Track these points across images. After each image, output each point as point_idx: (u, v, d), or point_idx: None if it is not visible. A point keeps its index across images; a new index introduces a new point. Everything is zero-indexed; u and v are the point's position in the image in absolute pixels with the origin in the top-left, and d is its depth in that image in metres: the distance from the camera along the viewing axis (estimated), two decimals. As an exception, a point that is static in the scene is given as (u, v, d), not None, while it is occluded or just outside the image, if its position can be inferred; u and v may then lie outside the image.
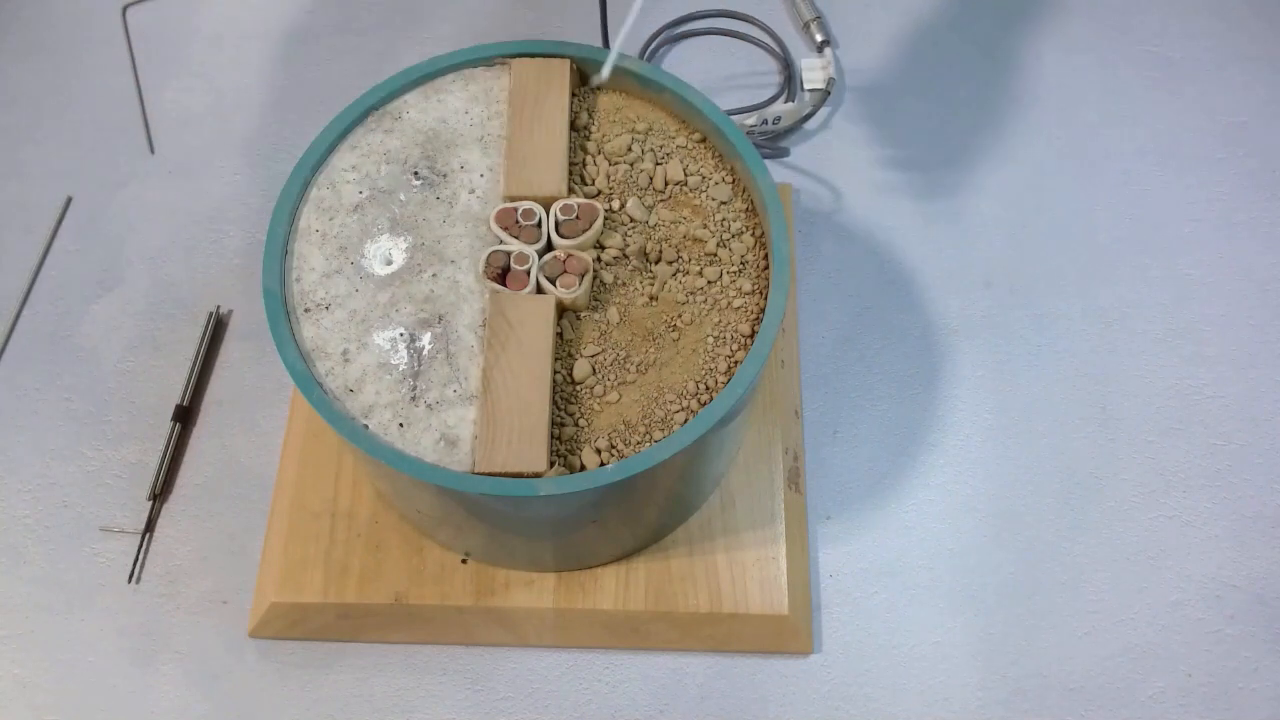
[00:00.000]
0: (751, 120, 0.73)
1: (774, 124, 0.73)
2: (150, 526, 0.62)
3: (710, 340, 0.49)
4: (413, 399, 0.46)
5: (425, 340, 0.48)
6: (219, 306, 0.68)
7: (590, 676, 0.58)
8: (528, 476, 0.45)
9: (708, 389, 0.48)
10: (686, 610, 0.56)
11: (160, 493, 0.62)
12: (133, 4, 0.81)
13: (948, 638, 0.59)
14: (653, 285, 0.50)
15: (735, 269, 0.50)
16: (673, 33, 0.80)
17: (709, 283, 0.50)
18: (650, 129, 0.54)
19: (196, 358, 0.66)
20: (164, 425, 0.64)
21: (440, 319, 0.48)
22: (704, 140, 0.54)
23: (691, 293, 0.50)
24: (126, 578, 0.60)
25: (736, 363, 0.48)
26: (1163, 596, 0.60)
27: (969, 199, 0.73)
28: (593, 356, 0.48)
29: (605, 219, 0.51)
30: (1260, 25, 0.80)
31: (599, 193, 0.52)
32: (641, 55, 0.78)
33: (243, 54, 0.79)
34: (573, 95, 0.54)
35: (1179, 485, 0.63)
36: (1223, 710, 0.57)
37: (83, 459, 0.64)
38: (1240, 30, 0.80)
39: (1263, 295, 0.69)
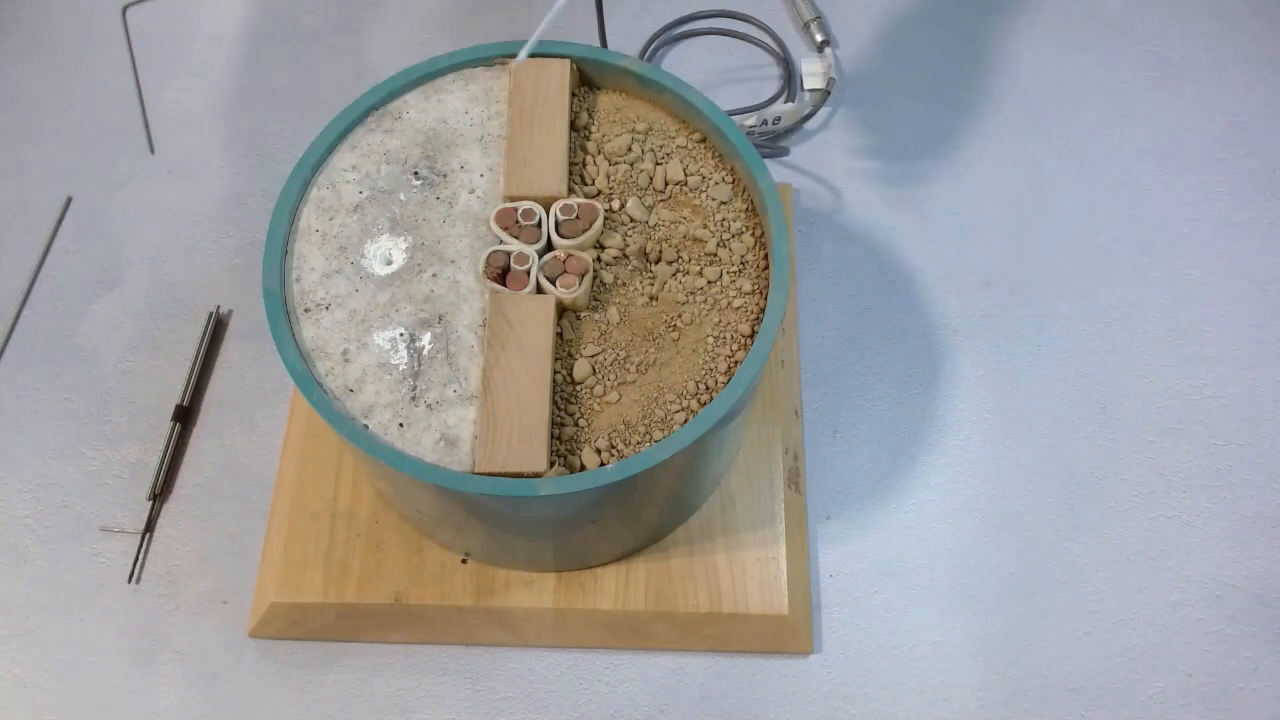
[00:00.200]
0: (751, 120, 0.73)
1: (774, 124, 0.73)
2: (150, 526, 0.62)
3: (710, 340, 0.49)
4: (413, 399, 0.46)
5: (425, 340, 0.48)
6: (219, 306, 0.68)
7: (590, 676, 0.58)
8: (528, 476, 0.45)
9: (708, 389, 0.48)
10: (686, 610, 0.56)
11: (160, 493, 0.62)
12: (133, 4, 0.81)
13: (948, 638, 0.59)
14: (653, 285, 0.50)
15: (735, 269, 0.50)
16: (673, 33, 0.80)
17: (709, 283, 0.50)
18: (650, 129, 0.54)
19: (196, 358, 0.66)
20: (164, 425, 0.64)
21: (440, 319, 0.48)
22: (704, 140, 0.54)
23: (691, 293, 0.50)
24: (126, 578, 0.60)
25: (736, 363, 0.48)
26: (1163, 596, 0.60)
27: (969, 199, 0.73)
28: (593, 356, 0.48)
29: (605, 219, 0.51)
30: (1260, 25, 0.80)
31: (599, 193, 0.52)
32: (642, 55, 0.78)
33: (243, 54, 0.79)
34: (573, 95, 0.54)
35: (1179, 485, 0.63)
36: (1223, 710, 0.57)
37: (83, 459, 0.64)
38: (1240, 30, 0.80)
39: (1263, 295, 0.69)
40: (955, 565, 0.61)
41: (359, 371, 0.47)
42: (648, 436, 0.47)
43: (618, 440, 0.47)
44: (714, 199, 0.52)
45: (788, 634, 0.57)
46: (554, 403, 0.47)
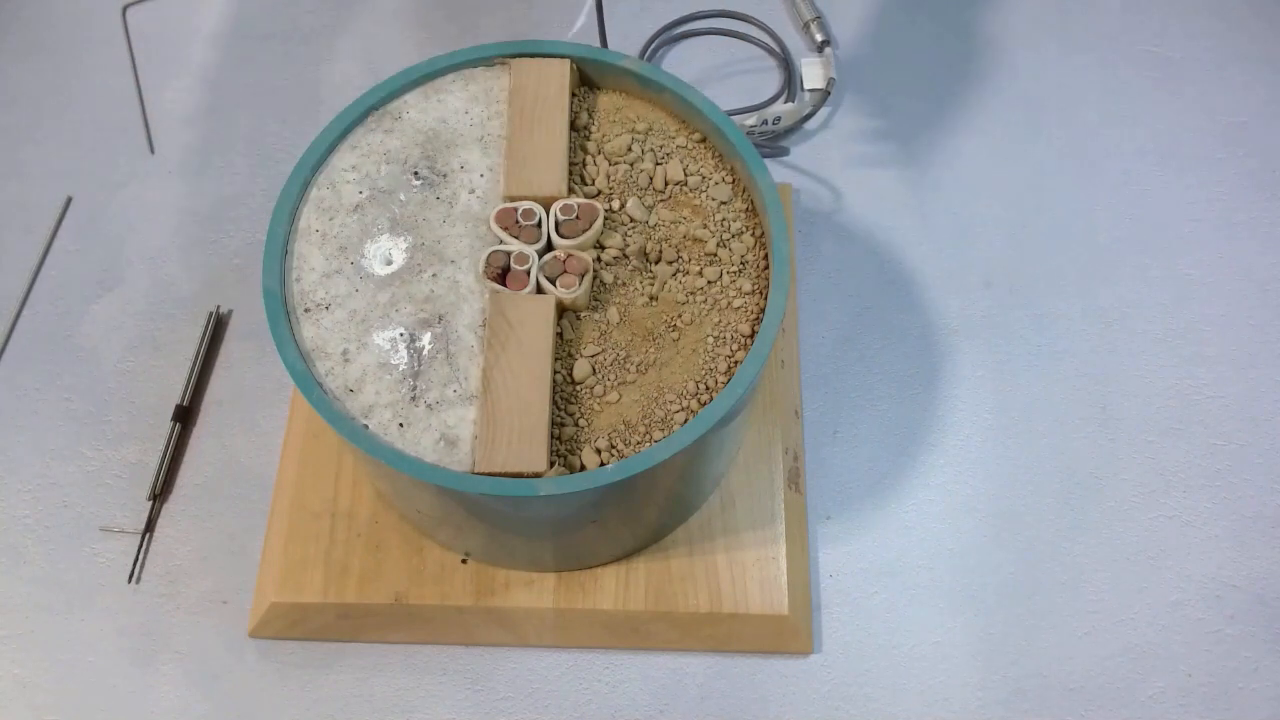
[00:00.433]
0: (751, 120, 0.73)
1: (774, 124, 0.73)
2: (150, 526, 0.62)
3: (710, 340, 0.49)
4: (413, 399, 0.46)
5: (425, 340, 0.48)
6: (219, 306, 0.68)
7: (590, 676, 0.58)
8: (528, 476, 0.45)
9: (708, 389, 0.48)
10: (686, 610, 0.56)
11: (160, 493, 0.62)
12: (133, 4, 0.81)
13: (948, 638, 0.59)
14: (653, 285, 0.50)
15: (735, 269, 0.50)
16: (672, 33, 0.80)
17: (709, 283, 0.50)
18: (650, 129, 0.54)
19: (196, 358, 0.66)
20: (164, 425, 0.64)
21: (440, 319, 0.48)
22: (704, 140, 0.54)
23: (691, 293, 0.50)
24: (126, 578, 0.60)
25: (736, 363, 0.48)
26: (1163, 596, 0.60)
27: (969, 199, 0.73)
28: (593, 356, 0.48)
29: (605, 219, 0.51)
30: (1260, 25, 0.80)
31: (599, 193, 0.52)
32: (642, 55, 0.78)
33: (243, 54, 0.79)
34: (573, 95, 0.54)
35: (1179, 485, 0.63)
36: (1223, 710, 0.57)
37: (83, 459, 0.64)
38: (1240, 30, 0.80)
39: (1263, 295, 0.69)
40: (955, 565, 0.61)
41: (359, 371, 0.47)
42: (648, 436, 0.47)
43: (618, 440, 0.47)
44: (714, 199, 0.52)
45: (788, 634, 0.57)
46: (554, 403, 0.47)
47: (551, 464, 0.45)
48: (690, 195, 0.52)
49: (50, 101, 0.77)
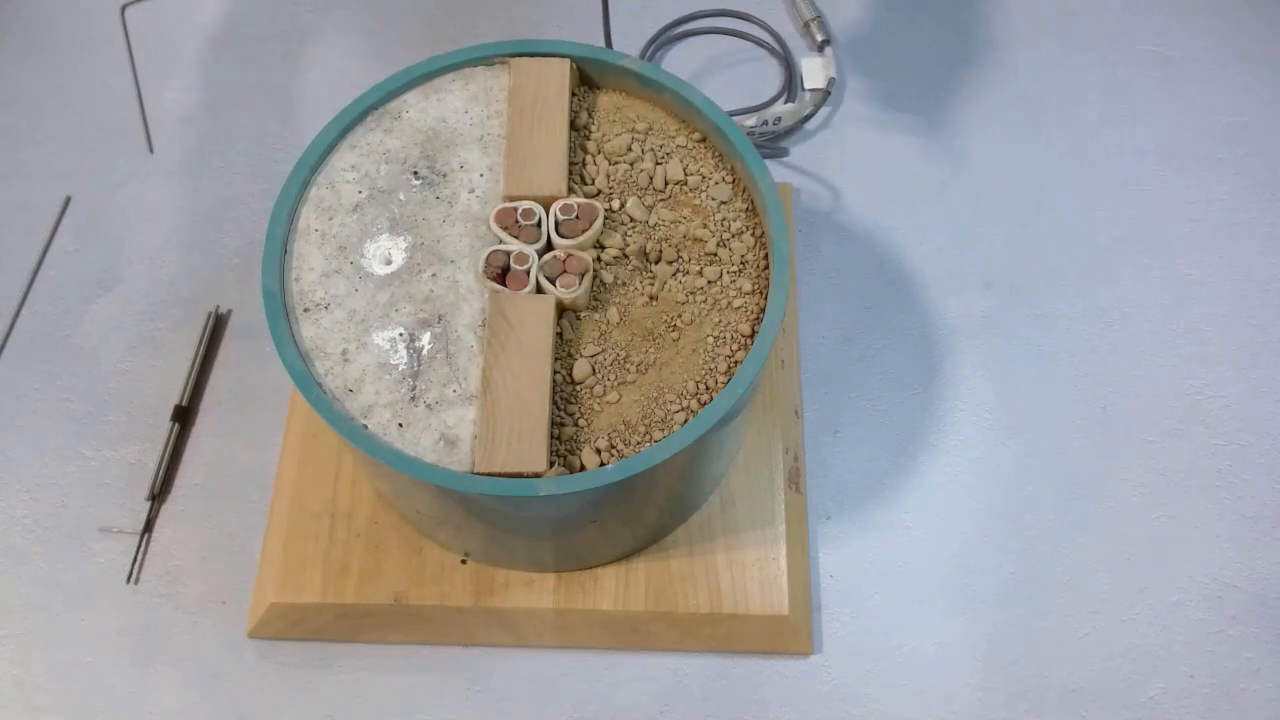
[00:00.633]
0: (751, 121, 0.73)
1: (774, 124, 0.73)
2: (149, 527, 0.62)
3: (710, 340, 0.49)
4: (412, 399, 0.46)
5: (425, 340, 0.48)
6: (219, 306, 0.68)
7: (590, 676, 0.58)
8: (528, 476, 0.45)
9: (708, 389, 0.48)
10: (686, 610, 0.56)
11: (159, 493, 0.62)
12: (132, 4, 0.81)
13: (948, 638, 0.59)
14: (653, 285, 0.50)
15: (735, 269, 0.50)
16: (673, 32, 0.80)
17: (709, 283, 0.50)
18: (650, 129, 0.54)
19: (196, 358, 0.66)
20: (163, 425, 0.64)
21: (440, 319, 0.48)
22: (704, 140, 0.53)
23: (691, 293, 0.50)
24: (125, 578, 0.60)
25: (736, 363, 0.48)
26: (1164, 597, 0.60)
27: (969, 199, 0.73)
28: (593, 356, 0.48)
29: (605, 219, 0.51)
30: (1260, 25, 0.80)
31: (599, 192, 0.52)
32: (643, 54, 0.78)
33: (243, 54, 0.79)
34: (573, 95, 0.54)
35: (1179, 485, 0.63)
36: (1224, 711, 0.57)
37: (82, 459, 0.64)
38: (1240, 30, 0.80)
39: (1263, 295, 0.69)
40: (955, 565, 0.61)
41: (358, 371, 0.47)
42: (648, 436, 0.47)
43: (618, 440, 0.47)
44: (714, 199, 0.52)
45: (788, 634, 0.57)
46: (554, 403, 0.47)
47: (551, 464, 0.45)
48: (690, 195, 0.52)
49: (50, 101, 0.77)
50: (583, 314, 0.49)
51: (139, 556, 0.61)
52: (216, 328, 0.68)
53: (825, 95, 0.74)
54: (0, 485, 0.63)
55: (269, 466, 0.63)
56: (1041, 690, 0.58)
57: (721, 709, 0.57)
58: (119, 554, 0.61)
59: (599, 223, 0.49)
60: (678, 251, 0.51)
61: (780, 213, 0.49)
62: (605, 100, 0.54)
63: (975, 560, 0.61)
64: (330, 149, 0.52)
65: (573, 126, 0.53)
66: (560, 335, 0.49)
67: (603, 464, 0.46)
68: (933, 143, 0.75)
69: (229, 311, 0.69)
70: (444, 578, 0.57)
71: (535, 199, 0.50)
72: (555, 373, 0.48)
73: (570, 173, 0.51)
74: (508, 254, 0.49)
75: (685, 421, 0.47)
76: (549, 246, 0.50)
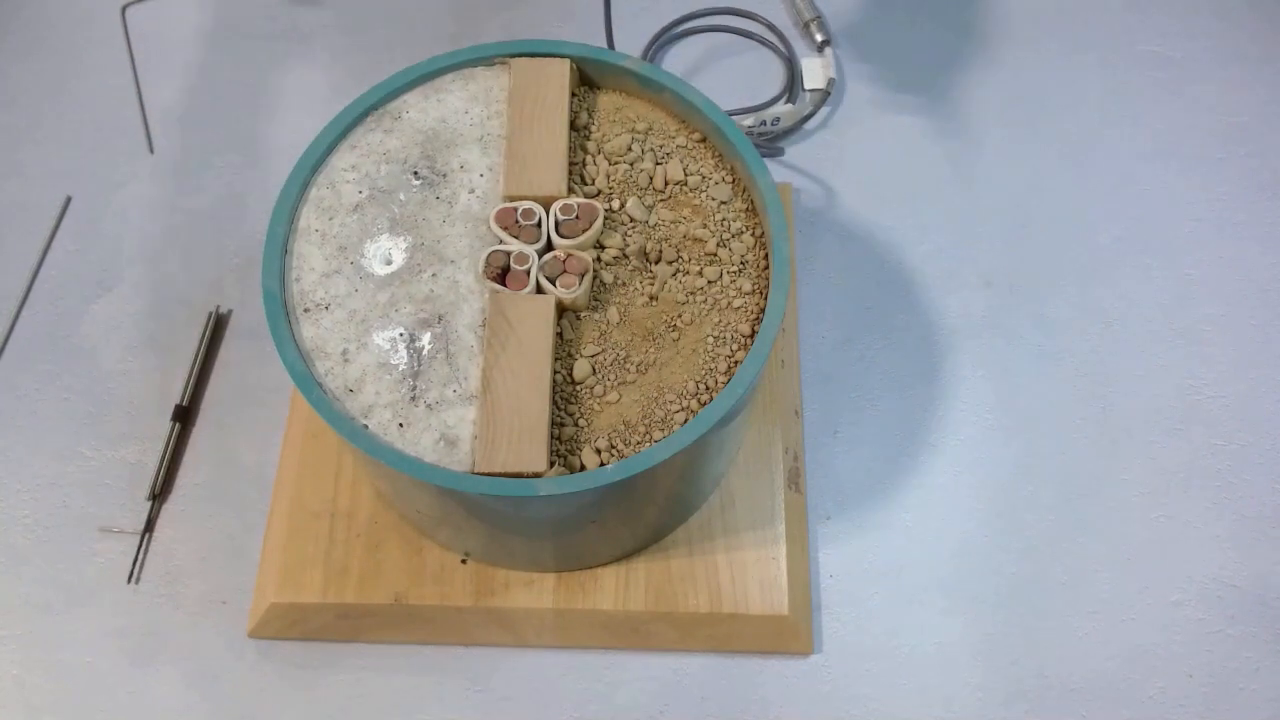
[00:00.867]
0: (750, 121, 0.73)
1: (773, 125, 0.73)
2: (150, 526, 0.62)
3: (710, 340, 0.49)
4: (412, 399, 0.46)
5: (425, 340, 0.48)
6: (219, 306, 0.68)
7: (590, 676, 0.58)
8: (528, 476, 0.45)
9: (708, 389, 0.48)
10: (686, 610, 0.56)
11: (160, 493, 0.62)
12: (132, 4, 0.81)
13: (948, 638, 0.59)
14: (653, 285, 0.50)
15: (735, 269, 0.50)
16: (675, 30, 0.80)
17: (709, 283, 0.50)
18: (650, 129, 0.54)
19: (196, 358, 0.66)
20: (164, 425, 0.64)
21: (440, 319, 0.48)
22: (704, 140, 0.53)
23: (691, 293, 0.50)
24: (126, 578, 0.60)
25: (736, 363, 0.48)
26: (1163, 597, 0.60)
27: (969, 199, 0.73)
28: (593, 356, 0.48)
29: (605, 219, 0.51)
30: (1260, 25, 0.80)
31: (599, 192, 0.52)
32: (645, 53, 0.78)
33: (243, 54, 0.79)
34: (573, 95, 0.54)
35: (1179, 485, 0.63)
36: (1224, 711, 0.57)
37: (83, 459, 0.64)
38: (1240, 30, 0.80)
39: (1263, 295, 0.69)
40: (955, 565, 0.61)
41: (359, 371, 0.47)
42: (648, 436, 0.47)
43: (618, 440, 0.47)
44: (714, 199, 0.52)
45: (788, 634, 0.57)
46: (554, 403, 0.47)
47: (551, 464, 0.45)
48: (690, 195, 0.52)
49: (50, 101, 0.77)
50: (583, 314, 0.49)
51: (139, 556, 0.61)
52: (216, 328, 0.68)
53: (825, 95, 0.74)
54: (1, 485, 0.63)
55: (269, 466, 0.63)
56: (1041, 690, 0.58)
57: (721, 709, 0.57)
58: (119, 554, 0.61)
59: (599, 223, 0.49)
60: (678, 251, 0.51)
61: (780, 213, 0.49)
62: (605, 100, 0.54)
63: (975, 560, 0.61)
64: (330, 149, 0.52)
65: (573, 127, 0.53)
66: (560, 335, 0.49)
67: (603, 464, 0.46)
68: (933, 143, 0.75)
69: (229, 311, 0.69)
70: (444, 578, 0.57)
71: (535, 199, 0.50)
72: (555, 373, 0.48)
73: (570, 173, 0.51)
74: (508, 254, 0.49)
75: (685, 421, 0.47)
76: (549, 246, 0.50)
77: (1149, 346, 0.67)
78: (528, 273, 0.48)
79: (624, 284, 0.50)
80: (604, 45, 0.64)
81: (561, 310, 0.49)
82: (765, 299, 0.49)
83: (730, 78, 0.78)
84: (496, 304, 0.47)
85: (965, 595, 0.60)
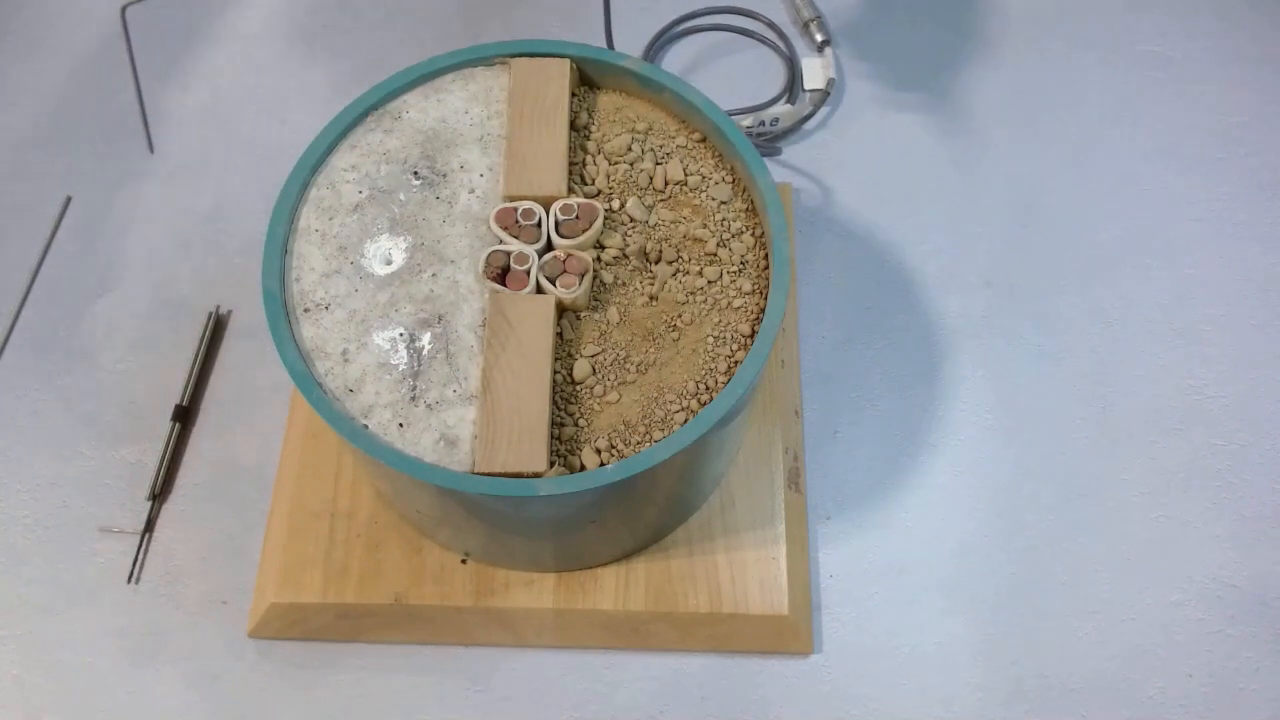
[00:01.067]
0: (748, 122, 0.73)
1: (771, 125, 0.73)
2: (150, 527, 0.62)
3: (710, 340, 0.49)
4: (412, 399, 0.46)
5: (425, 340, 0.48)
6: (219, 306, 0.68)
7: (590, 676, 0.58)
8: (528, 476, 0.45)
9: (708, 389, 0.48)
10: (686, 610, 0.56)
11: (160, 493, 0.62)
12: (132, 4, 0.81)
13: (948, 638, 0.59)
14: (653, 285, 0.50)
15: (735, 269, 0.50)
16: (676, 30, 0.80)
17: (709, 283, 0.50)
18: (650, 129, 0.54)
19: (196, 358, 0.66)
20: (164, 425, 0.64)
21: (440, 319, 0.48)
22: (704, 140, 0.53)
23: (691, 293, 0.50)
24: (126, 578, 0.60)
25: (736, 363, 0.48)
26: (1163, 597, 0.60)
27: (969, 199, 0.73)
28: (593, 356, 0.48)
29: (605, 219, 0.51)
30: (1261, 25, 0.80)
31: (599, 192, 0.52)
32: (645, 53, 0.78)
33: (243, 54, 0.79)
34: (573, 95, 0.54)
35: (1179, 485, 0.63)
36: (1224, 711, 0.57)
37: (82, 459, 0.64)
38: (1240, 30, 0.80)
39: (1263, 295, 0.69)
40: (955, 565, 0.61)
41: (359, 371, 0.47)
42: (648, 436, 0.47)
43: (618, 440, 0.47)
44: (714, 199, 0.52)
45: (788, 634, 0.57)
46: (554, 403, 0.47)
47: (551, 464, 0.45)
48: (690, 195, 0.52)
49: (50, 101, 0.77)
50: (583, 314, 0.49)
51: (139, 556, 0.61)
52: (216, 328, 0.68)
53: (825, 96, 0.74)
54: (1, 485, 0.63)
55: (269, 466, 0.63)
56: (1041, 690, 0.58)
57: (721, 709, 0.57)
58: (119, 554, 0.61)
59: (599, 223, 0.49)
60: (678, 251, 0.51)
61: (780, 213, 0.49)
62: (605, 100, 0.54)
63: (975, 560, 0.61)
64: (330, 149, 0.52)
65: (573, 127, 0.53)
66: (560, 335, 0.49)
67: (603, 464, 0.46)
68: (933, 143, 0.75)
69: (229, 311, 0.69)
70: (444, 578, 0.57)
71: (535, 199, 0.50)
72: (555, 373, 0.48)
73: (570, 173, 0.51)
74: (508, 254, 0.49)
75: (685, 421, 0.47)
76: (549, 246, 0.50)
77: (1149, 346, 0.67)
78: (528, 273, 0.48)
79: (624, 284, 0.50)
80: (604, 45, 0.64)
81: (561, 310, 0.49)
82: (765, 299, 0.49)
83: (730, 78, 0.78)
84: (496, 304, 0.47)
85: (965, 595, 0.60)
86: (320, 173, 0.51)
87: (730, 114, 0.71)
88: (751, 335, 0.49)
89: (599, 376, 0.48)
